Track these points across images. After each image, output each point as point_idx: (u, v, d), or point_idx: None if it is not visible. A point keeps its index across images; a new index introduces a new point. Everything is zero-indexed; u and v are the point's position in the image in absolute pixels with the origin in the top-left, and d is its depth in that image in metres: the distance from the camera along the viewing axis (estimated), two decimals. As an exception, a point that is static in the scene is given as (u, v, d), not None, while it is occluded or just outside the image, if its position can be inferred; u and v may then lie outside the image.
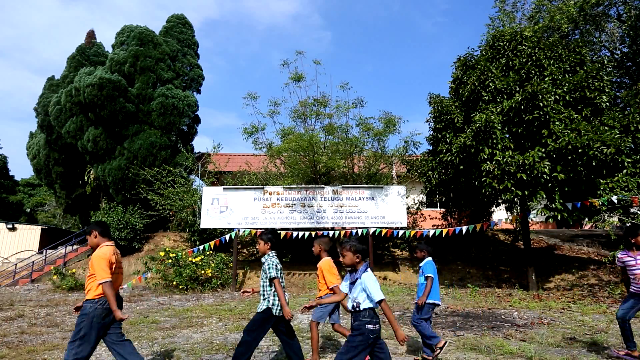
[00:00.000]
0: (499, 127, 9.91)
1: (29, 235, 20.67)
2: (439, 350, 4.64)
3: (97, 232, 3.97)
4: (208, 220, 12.78)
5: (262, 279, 4.18)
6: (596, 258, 13.05)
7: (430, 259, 4.99)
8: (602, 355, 5.00)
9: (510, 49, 11.33)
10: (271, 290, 4.08)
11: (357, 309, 3.24)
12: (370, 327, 3.17)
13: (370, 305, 3.20)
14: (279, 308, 4.03)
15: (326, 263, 4.69)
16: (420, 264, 5.01)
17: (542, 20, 16.11)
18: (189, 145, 19.16)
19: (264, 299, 4.09)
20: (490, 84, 10.69)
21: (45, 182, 21.09)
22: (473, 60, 11.94)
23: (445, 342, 4.67)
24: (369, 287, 3.20)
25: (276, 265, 4.10)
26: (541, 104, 9.62)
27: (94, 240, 3.96)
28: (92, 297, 3.76)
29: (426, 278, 4.84)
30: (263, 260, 4.19)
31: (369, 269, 3.33)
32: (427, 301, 4.80)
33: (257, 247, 4.33)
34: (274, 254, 4.22)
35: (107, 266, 3.75)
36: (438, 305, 4.93)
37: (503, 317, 7.50)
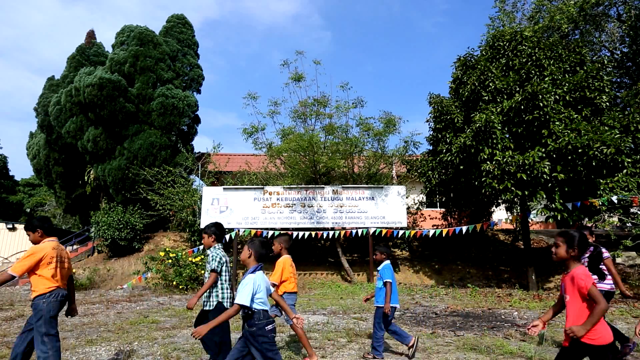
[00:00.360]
0: (499, 127, 9.91)
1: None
2: (367, 357, 4.78)
3: (42, 230, 3.94)
4: (208, 220, 12.77)
5: (206, 271, 4.09)
6: (596, 258, 13.04)
7: (388, 262, 4.87)
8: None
9: (510, 49, 11.33)
10: (219, 283, 4.00)
11: (249, 311, 3.08)
12: (270, 327, 3.09)
13: (262, 307, 3.09)
14: (229, 300, 3.99)
15: (282, 261, 4.67)
16: (378, 268, 4.88)
17: (542, 20, 16.13)
18: (189, 145, 19.15)
19: (214, 295, 4.00)
20: (490, 84, 10.69)
21: (45, 182, 21.08)
22: (473, 60, 11.95)
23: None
24: (241, 287, 3.06)
25: (220, 258, 4.02)
26: (541, 104, 9.62)
27: (37, 238, 3.94)
28: (43, 291, 3.77)
29: (384, 283, 4.73)
30: (208, 252, 4.12)
31: (257, 272, 3.18)
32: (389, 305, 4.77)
33: (202, 241, 4.26)
34: (219, 246, 4.16)
35: (31, 265, 3.75)
36: (396, 308, 4.90)
37: (503, 317, 7.50)
